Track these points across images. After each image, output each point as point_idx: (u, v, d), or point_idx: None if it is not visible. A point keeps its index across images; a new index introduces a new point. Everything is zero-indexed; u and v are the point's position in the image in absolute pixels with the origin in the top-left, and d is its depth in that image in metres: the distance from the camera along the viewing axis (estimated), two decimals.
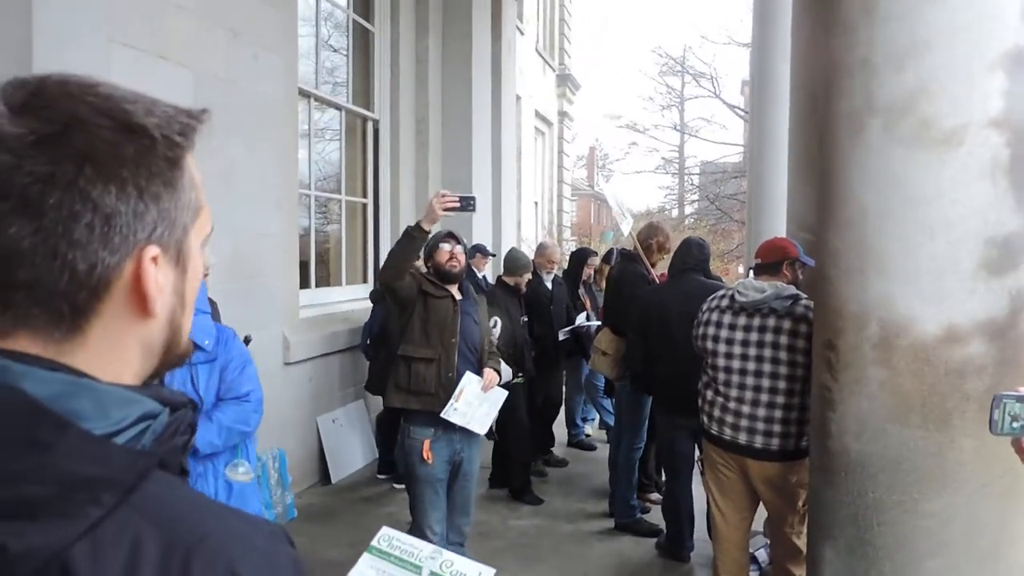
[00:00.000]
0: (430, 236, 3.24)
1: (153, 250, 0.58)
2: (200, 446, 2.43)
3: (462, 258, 3.40)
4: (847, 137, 2.42)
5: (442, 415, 3.21)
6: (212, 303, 2.95)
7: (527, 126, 13.70)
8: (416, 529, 3.10)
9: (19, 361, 0.53)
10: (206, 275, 0.71)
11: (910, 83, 2.20)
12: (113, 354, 0.58)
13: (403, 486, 5.00)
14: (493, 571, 1.02)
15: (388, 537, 1.06)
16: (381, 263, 6.55)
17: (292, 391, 4.97)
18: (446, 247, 3.35)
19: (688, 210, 26.54)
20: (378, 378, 5.02)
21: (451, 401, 3.23)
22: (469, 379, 3.31)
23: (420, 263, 3.58)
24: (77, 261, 0.54)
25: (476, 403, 3.31)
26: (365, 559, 1.04)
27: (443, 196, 3.09)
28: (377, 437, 5.66)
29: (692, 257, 3.94)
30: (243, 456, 2.60)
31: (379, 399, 5.39)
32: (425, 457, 3.18)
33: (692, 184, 26.58)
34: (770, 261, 3.16)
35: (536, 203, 15.70)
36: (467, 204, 3.13)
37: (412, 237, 3.10)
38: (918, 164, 2.24)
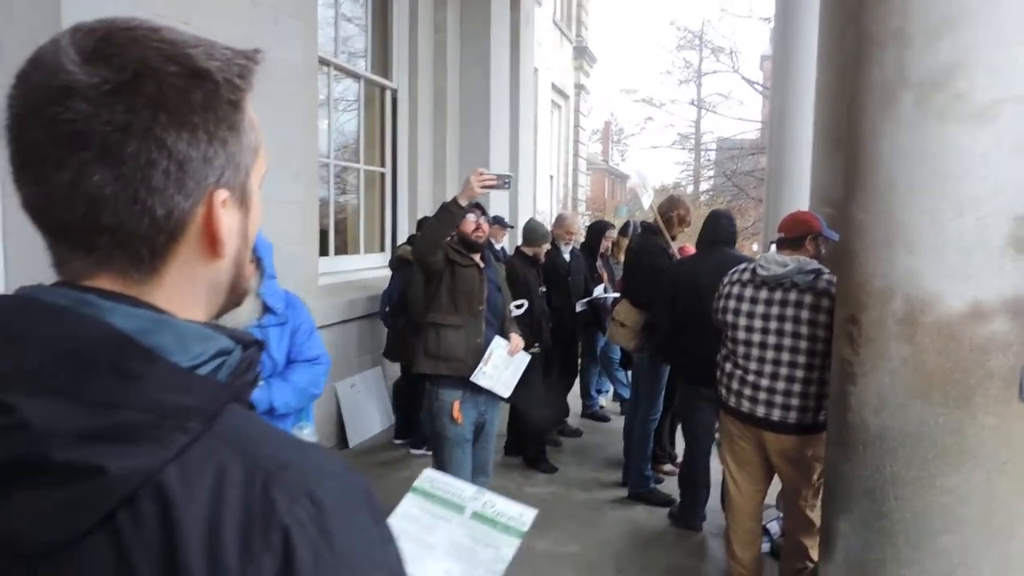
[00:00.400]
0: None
1: (223, 194, 0.60)
2: (278, 406, 2.50)
3: (487, 228, 3.45)
4: (877, 109, 2.40)
5: (472, 379, 3.30)
6: None
7: (544, 99, 13.59)
8: None
9: (106, 298, 0.57)
10: None
11: (946, 55, 2.17)
12: (186, 294, 0.61)
13: (420, 451, 5.08)
14: (535, 512, 1.02)
15: (430, 479, 1.08)
16: (399, 232, 6.62)
17: None
18: (472, 217, 3.39)
19: (704, 186, 26.33)
20: (396, 345, 5.07)
21: (480, 365, 3.32)
22: (497, 343, 3.40)
23: None
24: (156, 207, 0.56)
25: (502, 367, 3.41)
26: (409, 499, 1.05)
27: (481, 174, 3.15)
28: (394, 403, 5.72)
29: (722, 229, 3.93)
30: (306, 419, 2.67)
31: (396, 366, 5.46)
32: (455, 417, 3.27)
33: (708, 160, 26.34)
34: (793, 235, 3.15)
35: (551, 176, 15.62)
36: (504, 182, 3.21)
37: (450, 212, 3.17)
38: (950, 138, 2.22)
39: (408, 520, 1.02)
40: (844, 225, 2.66)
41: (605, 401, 6.88)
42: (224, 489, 0.52)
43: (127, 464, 0.51)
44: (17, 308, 0.57)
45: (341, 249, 6.19)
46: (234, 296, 0.67)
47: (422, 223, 5.59)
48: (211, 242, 0.60)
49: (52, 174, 0.55)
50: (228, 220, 0.61)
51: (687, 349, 3.98)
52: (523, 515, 1.01)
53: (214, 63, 0.59)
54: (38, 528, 0.52)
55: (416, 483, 1.08)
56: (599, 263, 6.21)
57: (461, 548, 0.96)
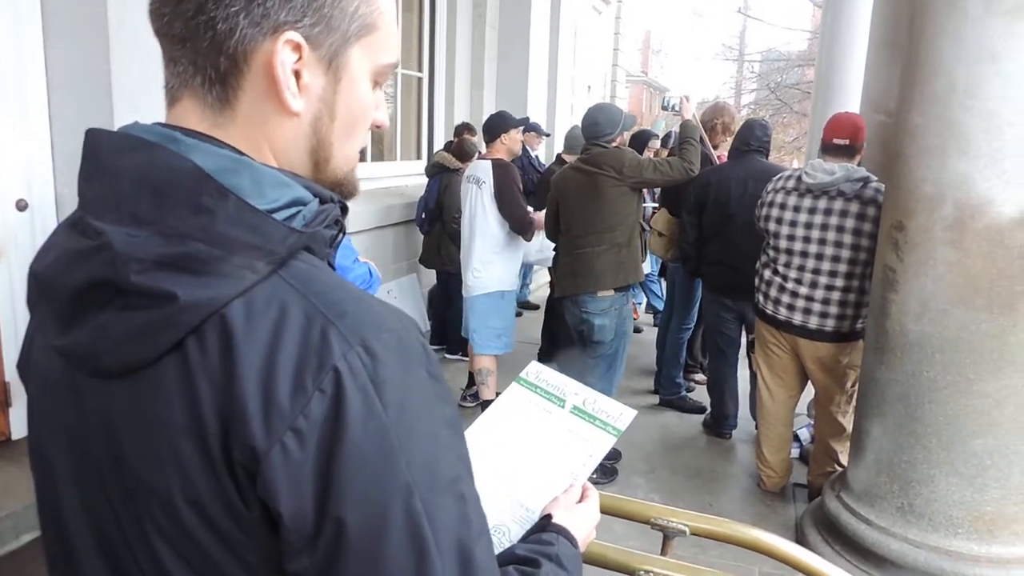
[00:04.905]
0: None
1: (293, 35, 0.58)
2: None
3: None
4: (942, 7, 2.31)
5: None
6: None
7: (584, 4, 13.12)
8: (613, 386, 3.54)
9: (190, 136, 0.58)
10: (378, 127, 0.69)
11: None
12: (260, 141, 0.61)
13: (455, 356, 5.20)
14: (634, 413, 1.02)
15: (536, 371, 1.08)
16: (435, 139, 6.58)
17: None
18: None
19: (746, 99, 25.45)
20: (432, 251, 5.12)
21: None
22: None
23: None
24: (219, 21, 0.56)
25: None
26: (514, 387, 1.07)
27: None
28: (429, 310, 5.83)
29: (755, 138, 3.84)
30: None
31: (431, 272, 5.53)
32: (636, 315, 3.52)
33: (752, 72, 25.32)
34: (853, 142, 3.03)
35: (589, 87, 15.24)
36: None
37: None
38: (1017, 37, 2.14)
39: (509, 407, 1.04)
40: (896, 131, 2.61)
41: (638, 312, 6.93)
42: (284, 328, 0.53)
43: (196, 294, 0.53)
44: (110, 141, 0.59)
45: (377, 156, 6.19)
46: (324, 177, 0.65)
47: (461, 130, 5.56)
48: (273, 84, 0.58)
49: None
50: (307, 76, 0.59)
51: (713, 259, 3.97)
52: (622, 414, 1.02)
53: None
54: (119, 348, 0.56)
55: (522, 374, 1.08)
56: None
57: (556, 438, 0.99)
